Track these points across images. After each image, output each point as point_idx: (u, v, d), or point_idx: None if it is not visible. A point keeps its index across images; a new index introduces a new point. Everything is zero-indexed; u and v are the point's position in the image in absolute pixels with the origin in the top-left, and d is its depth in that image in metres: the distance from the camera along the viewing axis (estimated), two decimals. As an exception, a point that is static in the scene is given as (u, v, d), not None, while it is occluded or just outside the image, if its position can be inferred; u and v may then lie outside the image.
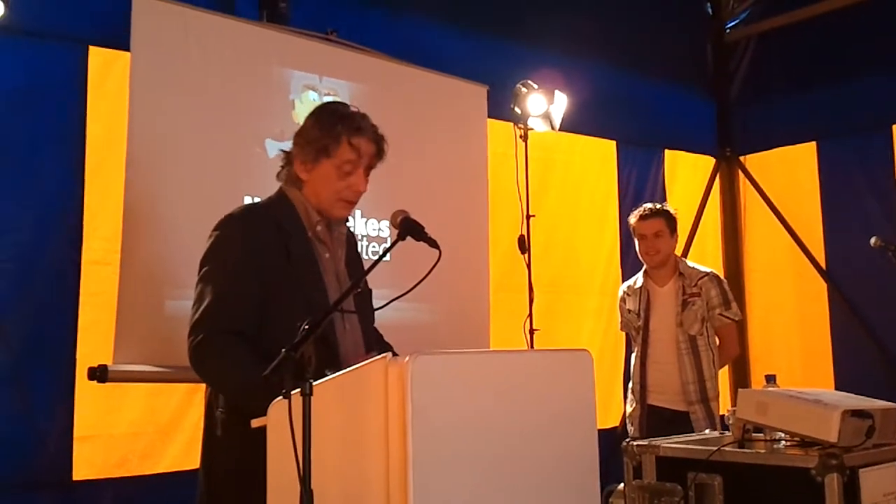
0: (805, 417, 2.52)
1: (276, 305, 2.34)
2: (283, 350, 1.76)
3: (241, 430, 2.08)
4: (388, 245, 4.05)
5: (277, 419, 1.86)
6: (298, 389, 1.73)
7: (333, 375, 1.88)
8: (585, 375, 2.12)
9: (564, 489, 2.00)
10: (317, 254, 2.48)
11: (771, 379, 2.85)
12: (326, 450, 1.79)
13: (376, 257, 2.24)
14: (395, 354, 2.19)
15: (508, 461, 1.88)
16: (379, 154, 2.53)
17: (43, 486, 3.69)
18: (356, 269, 2.61)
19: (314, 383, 1.75)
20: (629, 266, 5.35)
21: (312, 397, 1.73)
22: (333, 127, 2.46)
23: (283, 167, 2.56)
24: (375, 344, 2.58)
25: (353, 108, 2.54)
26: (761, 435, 2.74)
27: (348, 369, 1.87)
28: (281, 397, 1.76)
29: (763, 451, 2.58)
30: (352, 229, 2.72)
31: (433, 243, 2.23)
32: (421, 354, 1.74)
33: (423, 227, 2.27)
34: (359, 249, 2.78)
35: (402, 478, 1.67)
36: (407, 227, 2.26)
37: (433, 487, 1.71)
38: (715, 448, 2.60)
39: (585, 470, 2.06)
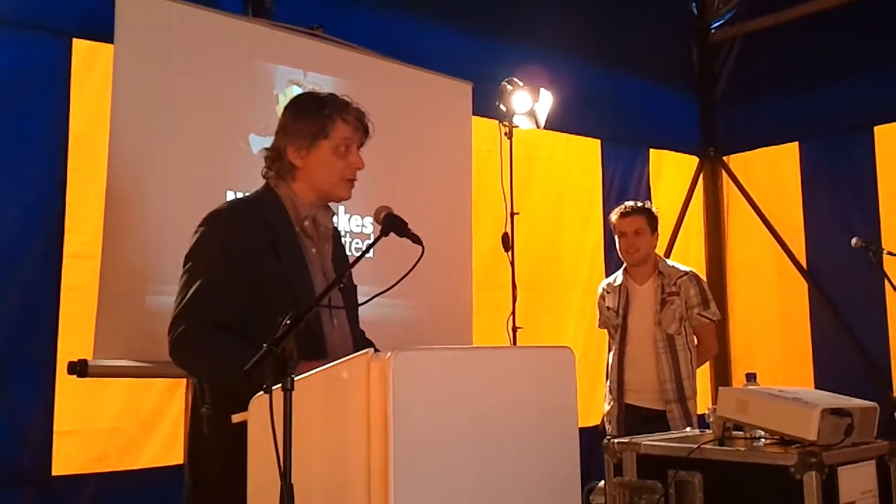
0: (785, 416, 2.54)
1: (263, 300, 2.32)
2: (265, 345, 1.75)
3: (227, 427, 2.05)
4: (371, 241, 4.06)
5: (258, 414, 1.85)
6: (280, 384, 1.72)
7: (315, 370, 1.88)
8: (567, 372, 2.12)
9: (545, 486, 2.00)
10: (304, 249, 2.47)
11: (751, 377, 2.87)
12: (308, 445, 1.78)
13: (359, 253, 2.23)
14: (376, 351, 2.18)
15: (489, 457, 1.88)
16: (365, 130, 2.53)
17: (21, 481, 3.66)
18: (342, 264, 2.59)
19: (296, 378, 1.75)
20: (613, 264, 5.36)
21: (294, 392, 1.72)
22: (321, 109, 2.46)
23: (269, 166, 2.52)
24: (360, 340, 2.58)
25: (328, 93, 2.55)
26: (741, 433, 2.76)
27: (329, 364, 1.86)
28: (262, 392, 1.75)
29: (743, 448, 2.60)
30: (336, 226, 2.71)
31: (416, 239, 2.23)
32: (402, 350, 1.74)
33: (406, 223, 2.27)
34: (343, 245, 2.77)
35: (383, 473, 1.67)
36: (390, 223, 2.26)
37: (414, 483, 1.71)
38: (695, 446, 2.62)
39: (566, 467, 2.07)
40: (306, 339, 2.25)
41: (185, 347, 2.29)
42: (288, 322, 1.80)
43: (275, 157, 2.51)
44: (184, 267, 2.38)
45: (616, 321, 4.39)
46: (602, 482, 2.89)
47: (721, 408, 2.71)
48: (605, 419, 4.47)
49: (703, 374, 5.20)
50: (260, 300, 2.33)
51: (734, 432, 2.77)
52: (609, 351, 4.53)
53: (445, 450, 1.79)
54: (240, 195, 3.68)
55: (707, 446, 2.62)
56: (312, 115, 2.46)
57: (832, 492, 2.41)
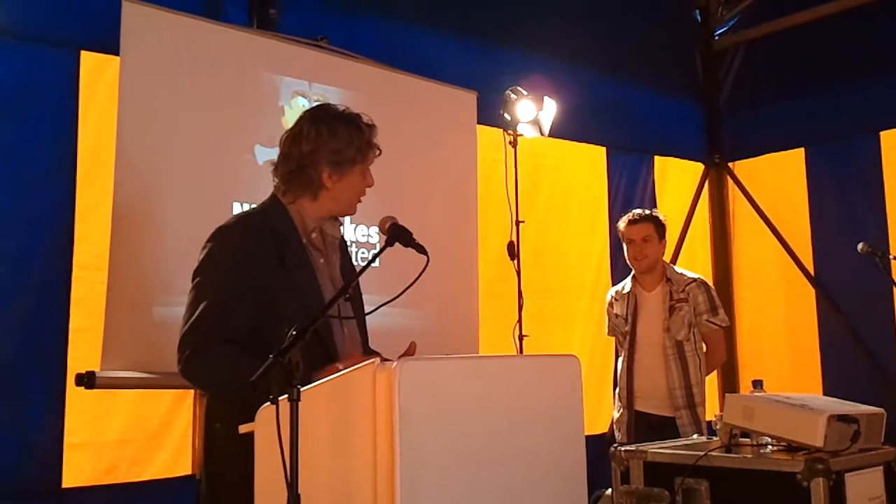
0: (791, 422, 2.54)
1: (273, 312, 2.30)
2: (271, 356, 1.76)
3: (241, 443, 2.03)
4: (376, 251, 4.08)
5: (265, 425, 1.86)
6: (286, 395, 1.73)
7: (321, 381, 1.89)
8: (573, 381, 2.13)
9: (551, 494, 2.00)
10: (312, 260, 2.47)
11: (758, 384, 2.86)
12: (314, 455, 1.79)
13: (365, 263, 2.24)
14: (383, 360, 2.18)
15: (495, 466, 1.88)
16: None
17: (32, 494, 3.66)
18: (350, 273, 2.59)
19: (302, 388, 1.75)
20: (619, 272, 5.36)
21: (300, 402, 1.73)
22: (361, 134, 2.46)
23: (286, 182, 2.48)
24: (368, 350, 2.58)
25: (344, 107, 2.53)
26: (748, 440, 2.76)
27: (335, 374, 1.87)
28: (269, 402, 1.75)
29: (750, 455, 2.60)
30: (343, 235, 2.71)
31: (421, 249, 2.24)
32: (408, 360, 1.75)
33: (411, 233, 2.28)
34: (350, 254, 2.78)
35: (390, 482, 1.68)
36: (395, 233, 2.27)
37: (420, 492, 1.71)
38: (702, 453, 2.62)
39: (572, 475, 2.07)
40: (318, 348, 2.25)
41: (197, 365, 2.28)
42: (294, 333, 1.81)
43: (296, 173, 2.45)
44: (192, 282, 2.37)
45: (625, 328, 4.39)
46: (609, 490, 2.90)
47: (728, 415, 2.71)
48: (615, 426, 4.46)
49: (711, 380, 5.18)
50: (269, 312, 2.31)
51: (741, 439, 2.77)
52: (618, 358, 4.53)
53: (451, 459, 1.80)
54: (246, 206, 3.70)
55: (714, 454, 2.62)
56: (352, 138, 2.44)
57: (839, 498, 2.41)
